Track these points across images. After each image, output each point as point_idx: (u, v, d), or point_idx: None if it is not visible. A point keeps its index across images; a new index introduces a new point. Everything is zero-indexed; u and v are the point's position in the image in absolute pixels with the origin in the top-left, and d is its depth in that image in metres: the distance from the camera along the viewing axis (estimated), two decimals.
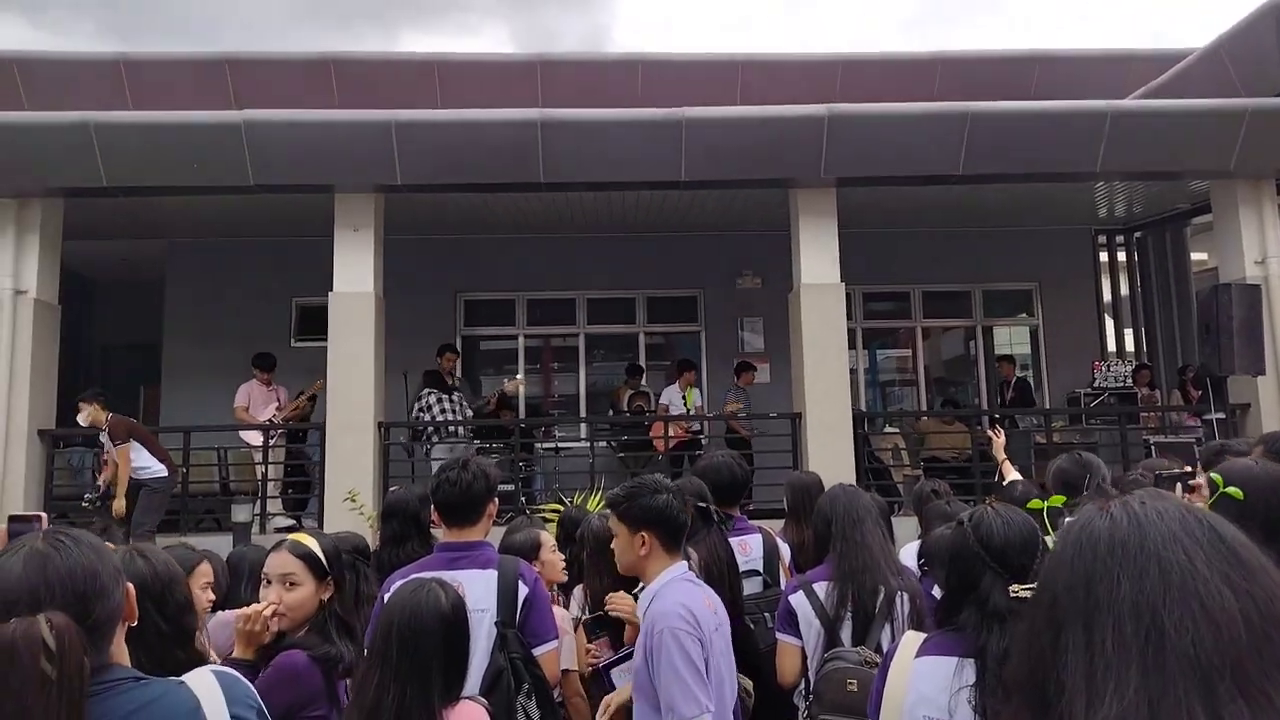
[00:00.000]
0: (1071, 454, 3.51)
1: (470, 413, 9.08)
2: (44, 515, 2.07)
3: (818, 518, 3.16)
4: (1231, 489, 2.13)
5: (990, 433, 5.68)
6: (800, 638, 2.99)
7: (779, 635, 3.07)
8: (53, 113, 7.92)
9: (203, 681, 1.51)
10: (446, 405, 8.73)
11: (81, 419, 7.25)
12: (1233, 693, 0.85)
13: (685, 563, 2.63)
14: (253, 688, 1.61)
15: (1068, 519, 1.07)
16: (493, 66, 12.27)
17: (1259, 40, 8.73)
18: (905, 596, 2.95)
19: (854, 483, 3.68)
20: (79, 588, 1.39)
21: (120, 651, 1.47)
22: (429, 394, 8.74)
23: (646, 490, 2.62)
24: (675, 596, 2.48)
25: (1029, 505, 2.15)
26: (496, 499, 3.03)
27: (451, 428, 8.87)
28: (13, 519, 2.04)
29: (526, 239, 10.64)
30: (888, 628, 2.89)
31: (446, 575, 2.71)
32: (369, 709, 2.05)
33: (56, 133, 7.66)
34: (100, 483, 7.36)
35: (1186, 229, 11.44)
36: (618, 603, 3.01)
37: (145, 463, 7.33)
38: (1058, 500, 2.15)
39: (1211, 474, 2.26)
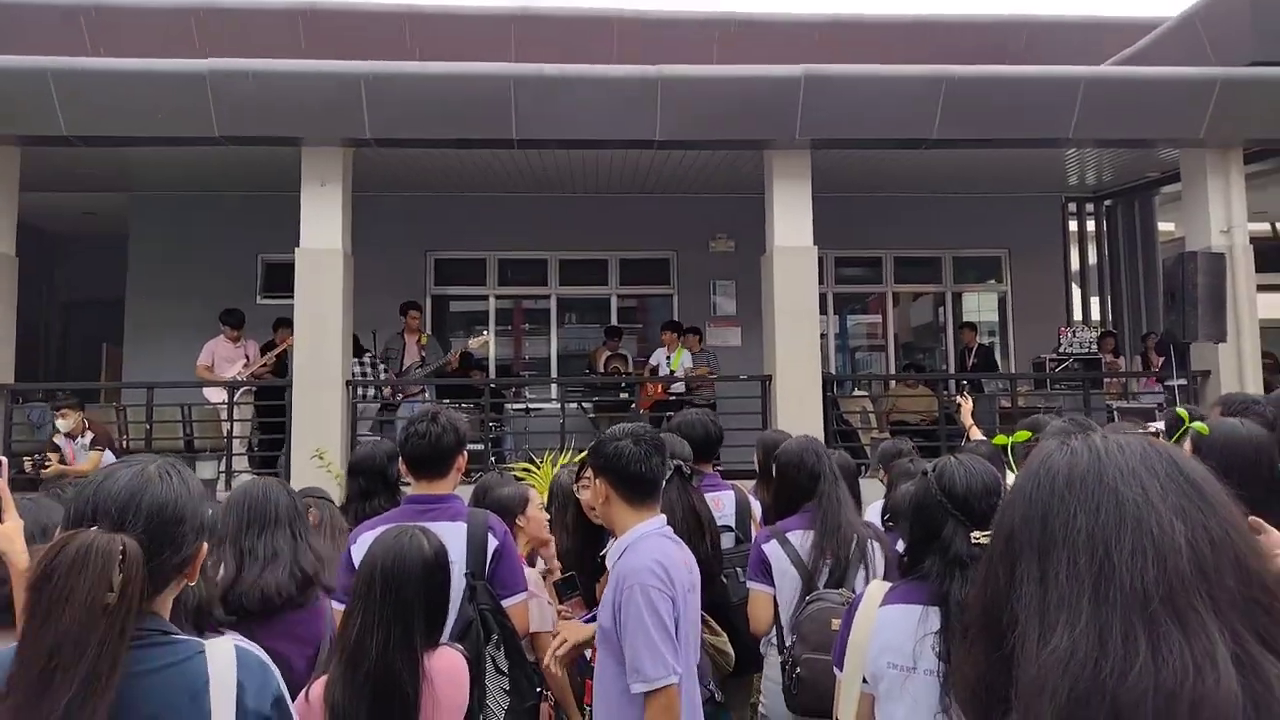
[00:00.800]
0: (1073, 417, 3.51)
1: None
2: (4, 460, 2.03)
3: (794, 469, 3.16)
4: (1198, 424, 2.16)
5: (959, 398, 5.74)
6: (773, 586, 3.02)
7: (751, 584, 3.08)
8: (7, 57, 7.67)
9: (222, 655, 1.47)
10: (369, 370, 8.71)
11: (61, 425, 7.04)
12: (1171, 621, 0.86)
13: (663, 517, 2.48)
14: (277, 673, 1.56)
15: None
16: (467, 20, 12.04)
17: (1231, 9, 8.77)
18: (876, 545, 3.00)
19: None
20: (161, 524, 1.42)
21: (164, 603, 1.47)
22: (355, 364, 8.64)
23: (609, 437, 2.49)
24: (649, 551, 2.34)
25: (995, 440, 2.17)
26: (465, 453, 3.01)
27: (418, 387, 8.82)
28: None
29: (499, 197, 10.53)
30: (862, 572, 2.94)
31: (416, 527, 2.71)
32: (351, 649, 2.07)
33: (12, 78, 7.43)
34: (45, 465, 7.10)
35: (1155, 198, 11.55)
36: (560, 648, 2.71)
37: (110, 460, 7.21)
38: (1023, 435, 2.17)
39: (1177, 409, 2.29)
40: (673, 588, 2.28)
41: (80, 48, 10.62)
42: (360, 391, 8.60)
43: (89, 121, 7.52)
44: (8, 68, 7.49)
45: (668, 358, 9.65)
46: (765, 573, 3.03)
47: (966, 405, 5.37)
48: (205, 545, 1.52)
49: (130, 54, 8.22)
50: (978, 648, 1.00)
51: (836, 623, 2.58)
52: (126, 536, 1.35)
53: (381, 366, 8.93)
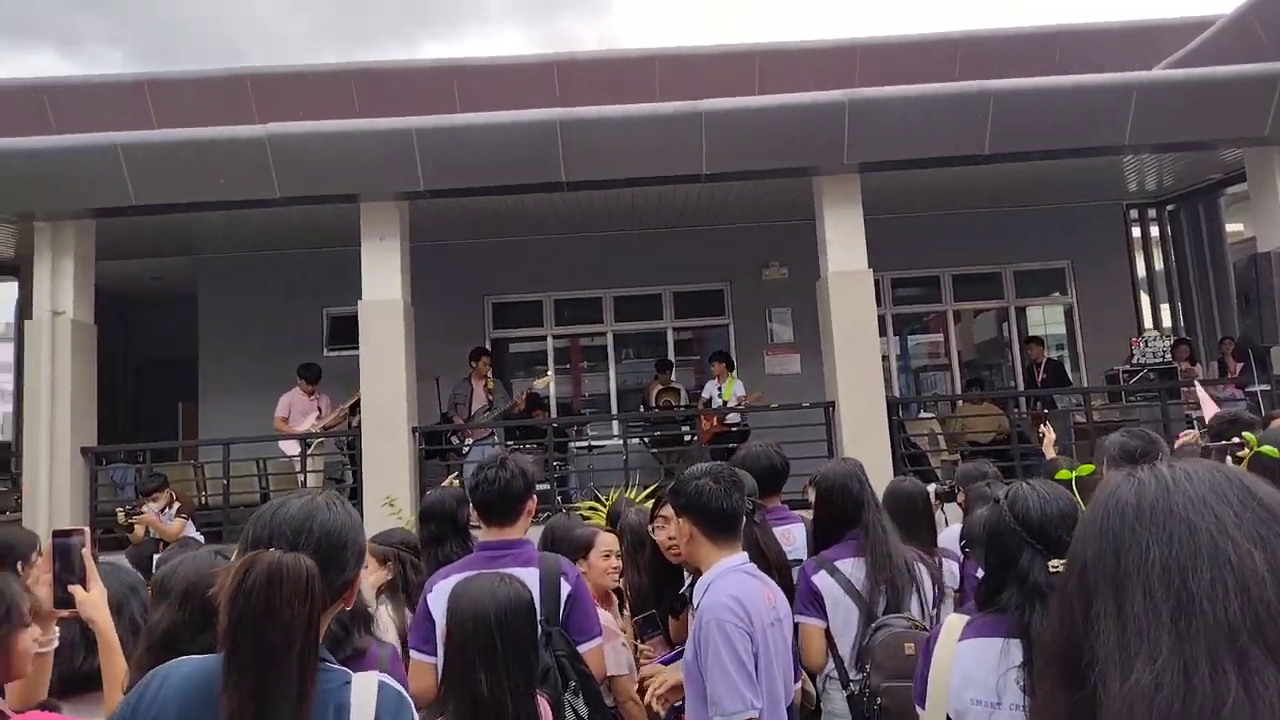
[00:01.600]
0: (1131, 429, 3.40)
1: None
2: (86, 529, 2.11)
3: (838, 494, 3.10)
4: (1267, 448, 2.08)
5: (1042, 429, 5.58)
6: (824, 618, 2.95)
7: (800, 618, 2.99)
8: (80, 135, 8.05)
9: (366, 689, 1.51)
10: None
11: (152, 507, 7.19)
12: (1264, 656, 0.83)
13: (744, 554, 2.54)
14: (414, 712, 1.58)
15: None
16: (510, 69, 12.31)
17: None
18: (922, 569, 2.98)
19: (891, 470, 3.64)
20: (329, 547, 1.51)
21: (321, 627, 1.52)
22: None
23: (688, 476, 2.57)
24: (727, 588, 2.40)
25: (1058, 475, 2.11)
26: (535, 496, 3.03)
27: (486, 431, 8.91)
28: (57, 533, 2.08)
29: (551, 239, 10.66)
30: (915, 595, 2.90)
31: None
32: (486, 703, 2.04)
33: (84, 155, 7.79)
34: (139, 512, 7.25)
35: (1220, 199, 11.22)
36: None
37: (191, 533, 7.37)
38: (1086, 469, 2.10)
39: (1244, 434, 2.21)
40: (750, 623, 2.32)
41: (145, 119, 11.10)
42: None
43: (156, 190, 7.83)
44: (81, 145, 7.86)
45: (719, 389, 9.61)
46: (816, 605, 2.96)
47: (1050, 437, 5.23)
48: (361, 572, 1.60)
49: (191, 123, 8.56)
50: (1058, 691, 0.97)
51: (910, 646, 2.55)
52: (304, 555, 1.44)
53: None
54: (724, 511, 2.50)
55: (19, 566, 2.82)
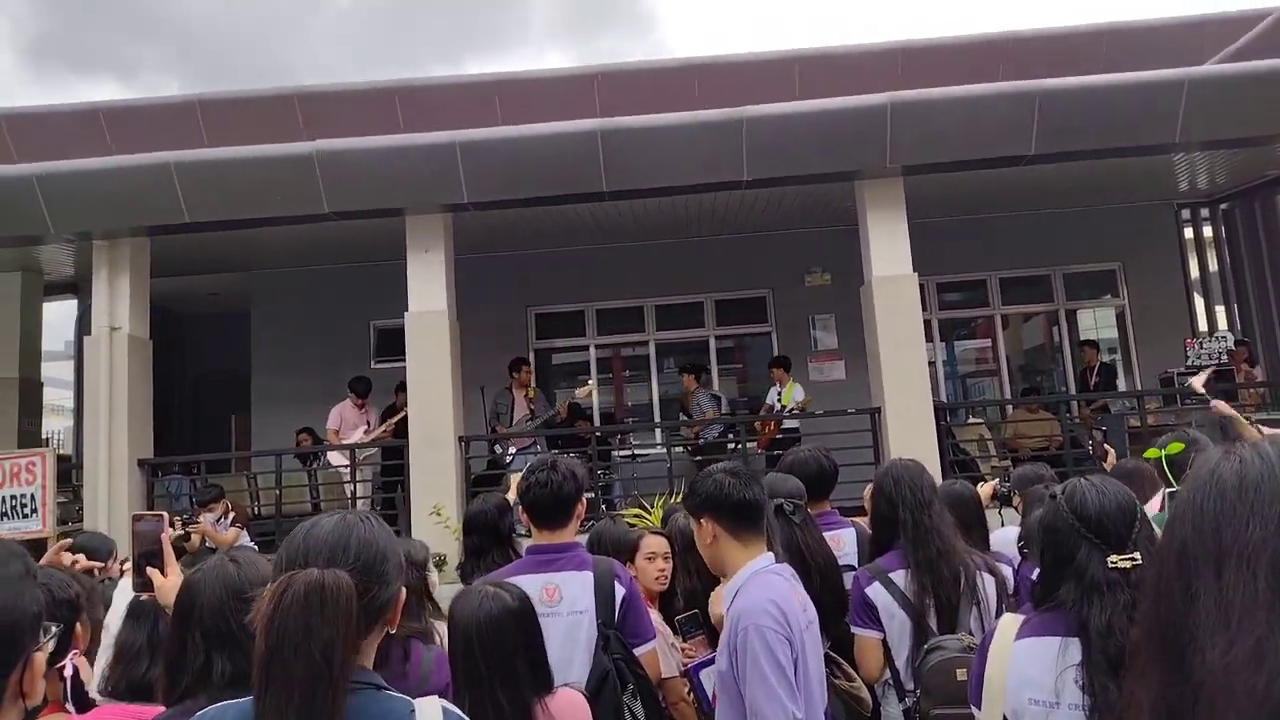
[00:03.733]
0: (1179, 431, 3.31)
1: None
2: (165, 515, 2.18)
3: (880, 498, 3.02)
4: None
5: (1106, 445, 5.45)
6: (880, 630, 2.90)
7: (855, 630, 2.94)
8: (135, 155, 8.27)
9: (431, 716, 1.48)
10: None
11: (208, 517, 7.37)
12: None
13: (771, 554, 2.44)
14: None
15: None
16: (551, 82, 12.42)
17: None
18: (987, 576, 2.86)
19: (940, 477, 3.57)
20: (368, 562, 1.46)
21: (369, 651, 1.48)
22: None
23: (701, 477, 2.48)
24: (762, 591, 2.28)
25: (1147, 454, 2.06)
26: (585, 499, 3.02)
27: (529, 440, 8.97)
28: (137, 517, 2.17)
29: (592, 249, 10.71)
30: (974, 610, 2.79)
31: (542, 578, 2.73)
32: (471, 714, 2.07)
33: (139, 174, 8.00)
34: (195, 521, 7.42)
35: (1277, 197, 10.93)
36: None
37: (245, 542, 7.51)
38: (1176, 447, 2.05)
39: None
40: (789, 628, 2.21)
41: (197, 139, 11.38)
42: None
43: (209, 208, 8.02)
44: (135, 165, 8.07)
45: (779, 394, 9.58)
46: (870, 617, 2.90)
47: (1111, 458, 5.09)
48: (404, 591, 1.54)
49: (241, 141, 8.76)
50: (1153, 672, 0.95)
51: (962, 673, 2.46)
52: (342, 571, 1.38)
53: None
54: (746, 503, 2.38)
55: (94, 571, 2.91)
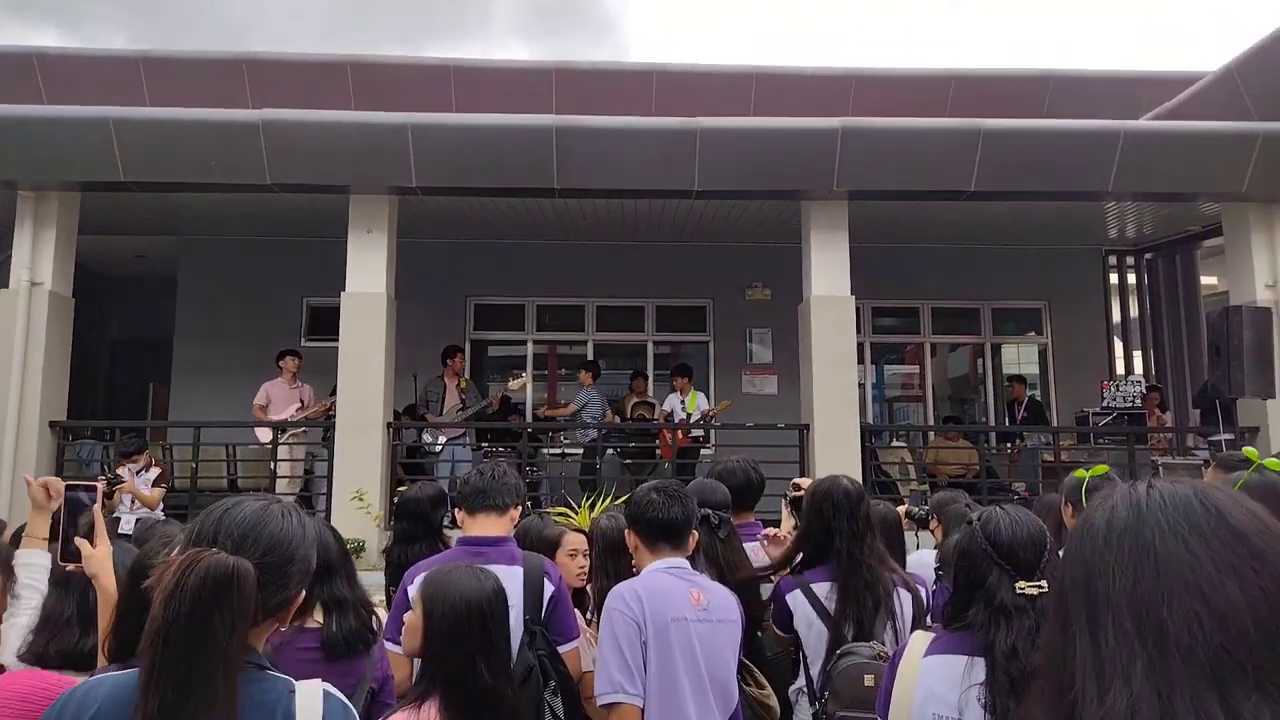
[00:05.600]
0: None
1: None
2: (100, 484, 2.13)
3: (815, 519, 3.05)
4: (1270, 460, 2.11)
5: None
6: (792, 634, 2.99)
7: (772, 627, 3.06)
8: (72, 107, 8.00)
9: (310, 697, 1.47)
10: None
11: (132, 467, 7.16)
12: (1248, 689, 0.82)
13: (675, 558, 2.64)
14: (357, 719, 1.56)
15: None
16: (509, 73, 12.35)
17: (1271, 63, 8.76)
18: (904, 593, 2.94)
19: None
20: (273, 561, 1.45)
21: (258, 638, 1.49)
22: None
23: (639, 491, 2.76)
24: (633, 582, 2.57)
25: (1074, 474, 2.15)
26: (520, 507, 3.04)
27: (458, 429, 8.91)
28: (68, 485, 2.13)
29: (538, 244, 10.69)
30: (890, 624, 2.88)
31: None
32: (484, 693, 2.06)
33: (76, 127, 7.74)
34: (119, 482, 7.20)
35: (1196, 251, 11.44)
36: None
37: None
38: (1100, 470, 2.14)
39: (1245, 449, 2.24)
40: (637, 613, 2.44)
41: (139, 97, 11.03)
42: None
43: (146, 168, 7.78)
44: (72, 117, 7.81)
45: (682, 402, 9.66)
46: (785, 623, 2.99)
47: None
48: (303, 594, 1.53)
49: (185, 103, 8.53)
50: (1047, 699, 0.97)
51: (869, 679, 2.56)
52: (247, 561, 1.38)
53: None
54: (660, 522, 2.64)
55: None
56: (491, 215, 9.68)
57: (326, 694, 1.49)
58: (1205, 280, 12.25)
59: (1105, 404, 9.66)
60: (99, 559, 2.04)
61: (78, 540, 2.04)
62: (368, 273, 8.22)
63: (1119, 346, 12.28)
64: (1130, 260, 11.96)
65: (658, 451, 9.54)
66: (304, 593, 1.52)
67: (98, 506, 2.07)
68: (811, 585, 2.97)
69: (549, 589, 2.80)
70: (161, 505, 7.16)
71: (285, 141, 7.74)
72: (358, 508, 7.52)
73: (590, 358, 11.06)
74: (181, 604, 1.31)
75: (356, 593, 2.53)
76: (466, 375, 9.71)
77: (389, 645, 2.61)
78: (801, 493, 3.44)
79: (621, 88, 11.87)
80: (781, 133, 8.09)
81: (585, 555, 3.59)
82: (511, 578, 2.74)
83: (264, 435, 8.79)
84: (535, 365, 11.46)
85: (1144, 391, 9.85)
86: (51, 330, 8.08)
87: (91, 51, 12.19)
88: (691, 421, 9.45)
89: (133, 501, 6.95)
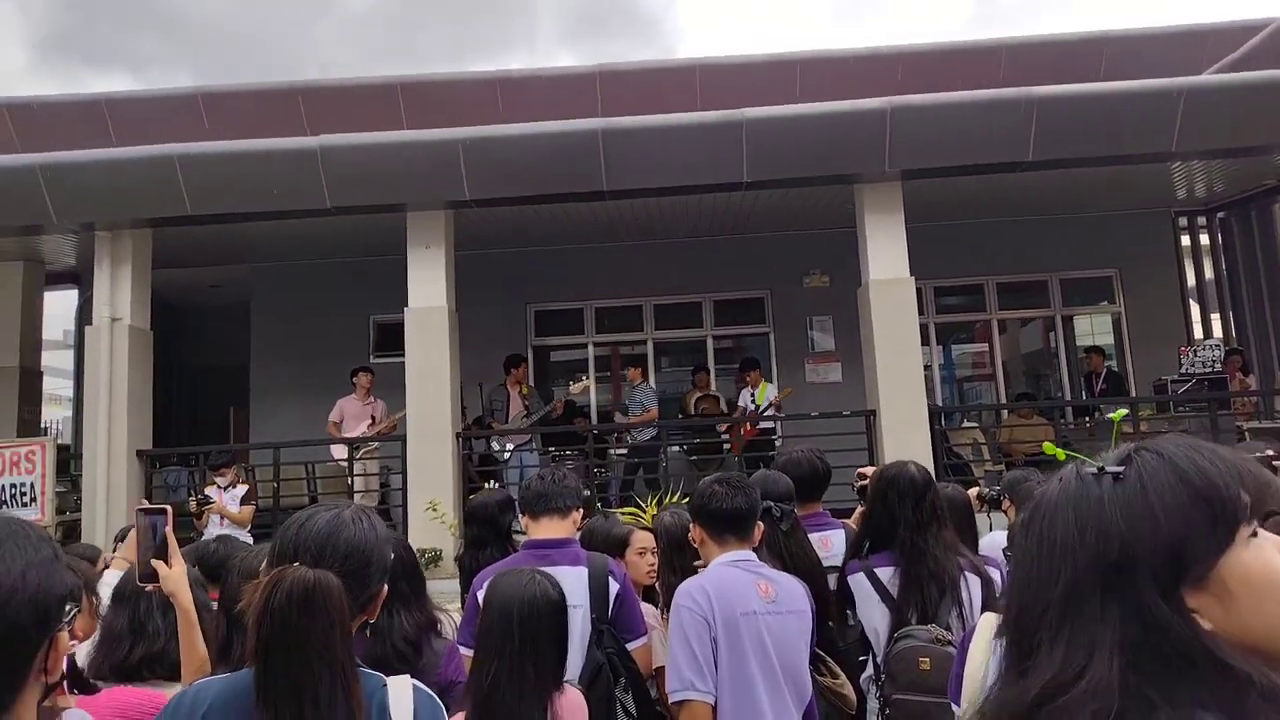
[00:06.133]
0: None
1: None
2: (169, 509, 2.23)
3: (880, 507, 3.01)
4: (1114, 413, 2.14)
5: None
6: (859, 622, 2.98)
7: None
8: (138, 147, 8.32)
9: (402, 691, 1.54)
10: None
11: (221, 481, 7.43)
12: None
13: (742, 550, 2.62)
14: (445, 713, 1.61)
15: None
16: (553, 80, 12.46)
17: None
18: (972, 578, 2.89)
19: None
20: (354, 566, 1.52)
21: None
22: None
23: (702, 483, 2.74)
24: (699, 577, 2.57)
25: (1045, 448, 2.13)
26: (581, 509, 3.08)
27: (525, 436, 9.03)
28: (141, 510, 2.23)
29: (592, 248, 10.76)
30: (955, 610, 2.83)
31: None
32: (485, 694, 2.11)
33: (143, 166, 8.05)
34: (209, 501, 7.43)
35: (1274, 207, 10.99)
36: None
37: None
38: (1053, 451, 2.12)
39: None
40: (706, 609, 2.44)
41: (201, 132, 11.41)
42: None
43: (211, 201, 8.07)
44: (139, 157, 8.13)
45: (752, 395, 9.63)
46: (848, 607, 3.01)
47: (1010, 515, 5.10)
48: (386, 587, 1.61)
49: (244, 135, 8.80)
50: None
51: (925, 662, 2.54)
52: (329, 572, 1.45)
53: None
54: (724, 513, 2.63)
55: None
56: (545, 222, 9.78)
57: (415, 688, 1.56)
58: None
59: (1184, 370, 9.33)
60: (174, 578, 2.15)
61: (153, 561, 2.15)
62: (428, 287, 8.39)
63: (1196, 311, 11.85)
64: (1202, 221, 11.53)
65: (725, 446, 9.53)
66: (385, 586, 1.60)
67: (170, 529, 2.18)
68: (875, 570, 2.96)
69: (614, 587, 2.83)
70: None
71: (342, 165, 7.94)
72: (432, 518, 7.68)
73: (649, 356, 11.11)
74: (274, 623, 1.39)
75: (401, 619, 2.46)
76: (529, 382, 9.83)
77: (462, 649, 2.67)
78: (867, 481, 3.42)
79: (665, 85, 11.88)
80: (828, 117, 8.01)
81: (654, 553, 3.61)
82: (577, 578, 2.79)
83: (339, 452, 9.04)
84: (597, 368, 11.55)
85: (1224, 355, 9.50)
86: (134, 363, 8.43)
87: (153, 93, 12.67)
88: (758, 414, 9.42)
89: (222, 520, 7.21)
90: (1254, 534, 0.91)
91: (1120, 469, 0.96)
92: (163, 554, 2.17)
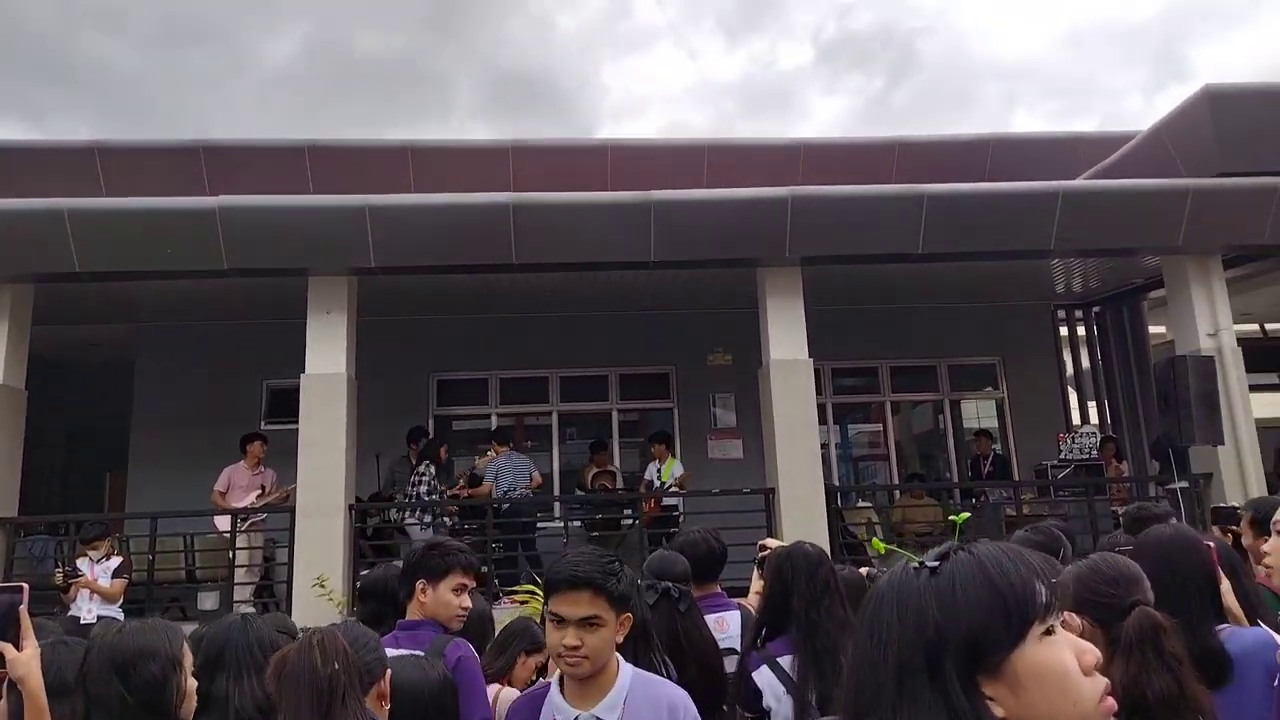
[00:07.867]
0: (1036, 526, 3.43)
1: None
2: (26, 587, 2.09)
3: (776, 583, 3.04)
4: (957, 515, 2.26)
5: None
6: (761, 714, 2.95)
7: (745, 715, 3.01)
8: (26, 200, 7.98)
9: None
10: (436, 485, 8.68)
11: (94, 554, 6.99)
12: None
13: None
14: None
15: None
16: (466, 152, 12.54)
17: (1196, 125, 9.17)
18: None
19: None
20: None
21: None
22: (428, 466, 8.67)
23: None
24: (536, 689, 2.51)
25: (874, 544, 2.23)
26: (423, 584, 3.02)
27: (432, 509, 8.80)
28: None
29: (499, 318, 10.74)
30: None
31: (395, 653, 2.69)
32: None
33: (30, 220, 7.72)
34: (77, 575, 6.97)
35: (1143, 303, 11.78)
36: None
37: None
38: (963, 518, 2.24)
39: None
40: None
41: (95, 187, 11.03)
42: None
43: (102, 258, 7.76)
44: (26, 210, 7.79)
45: (658, 470, 9.65)
46: (754, 704, 2.92)
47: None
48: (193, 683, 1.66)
49: (143, 192, 8.56)
50: None
51: None
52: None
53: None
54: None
55: None
56: (452, 291, 9.73)
57: None
58: (1154, 329, 12.57)
59: (1062, 456, 9.80)
60: (24, 661, 2.00)
61: (1, 644, 2.01)
62: (327, 353, 8.20)
63: (1074, 398, 12.51)
64: (1079, 313, 12.27)
65: (632, 521, 9.48)
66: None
67: (24, 608, 2.04)
68: (778, 659, 2.95)
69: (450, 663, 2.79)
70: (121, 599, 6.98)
71: (242, 227, 7.77)
72: (319, 595, 7.37)
73: (554, 428, 11.05)
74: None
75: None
76: (442, 458, 9.51)
77: None
78: (768, 552, 3.45)
79: (577, 163, 12.09)
80: (733, 202, 8.28)
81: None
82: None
83: (222, 524, 8.61)
84: (500, 439, 11.38)
85: (1099, 442, 10.02)
86: (2, 425, 7.93)
87: (47, 143, 12.23)
88: (661, 490, 9.44)
89: (91, 595, 6.77)
90: (1048, 631, 1.00)
91: (937, 564, 1.05)
92: (14, 634, 2.02)
